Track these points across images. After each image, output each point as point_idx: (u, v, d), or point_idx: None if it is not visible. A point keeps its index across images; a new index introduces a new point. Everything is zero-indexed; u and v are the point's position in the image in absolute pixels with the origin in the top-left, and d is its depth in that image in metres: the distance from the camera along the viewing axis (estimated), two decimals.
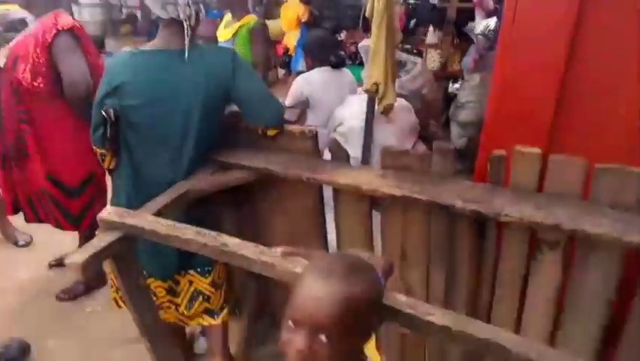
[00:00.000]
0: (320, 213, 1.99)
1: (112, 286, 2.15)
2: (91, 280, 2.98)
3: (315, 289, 0.96)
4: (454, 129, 3.28)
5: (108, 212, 1.55)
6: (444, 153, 1.60)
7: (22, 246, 3.57)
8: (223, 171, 1.86)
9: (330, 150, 1.82)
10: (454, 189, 1.59)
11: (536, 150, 1.47)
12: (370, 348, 1.10)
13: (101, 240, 1.52)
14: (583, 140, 1.58)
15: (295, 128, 1.88)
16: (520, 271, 1.70)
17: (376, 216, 1.94)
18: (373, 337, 1.11)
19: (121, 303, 2.18)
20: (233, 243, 1.42)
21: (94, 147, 1.89)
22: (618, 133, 1.59)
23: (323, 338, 0.94)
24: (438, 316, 1.19)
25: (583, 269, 1.57)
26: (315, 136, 1.83)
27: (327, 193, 2.00)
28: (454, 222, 1.71)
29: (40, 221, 2.82)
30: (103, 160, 1.91)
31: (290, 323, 0.98)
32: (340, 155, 1.81)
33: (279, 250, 1.38)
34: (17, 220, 3.63)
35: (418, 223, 1.76)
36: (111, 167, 1.93)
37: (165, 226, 1.49)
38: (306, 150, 1.87)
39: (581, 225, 1.41)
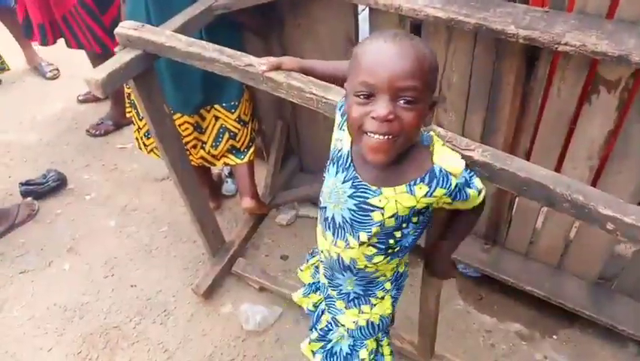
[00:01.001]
0: (354, 43, 1.83)
1: (134, 125, 2.13)
2: (120, 118, 2.98)
3: (387, 49, 0.87)
4: None
5: (125, 27, 1.43)
6: None
7: (50, 78, 3.55)
8: None
9: None
10: (507, 13, 1.39)
11: None
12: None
13: (120, 58, 1.44)
14: None
15: None
16: (568, 116, 1.56)
17: None
18: None
19: (141, 144, 2.17)
20: (260, 63, 1.30)
21: None
22: None
23: (402, 102, 0.88)
24: (478, 151, 1.08)
25: None
26: None
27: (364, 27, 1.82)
28: (502, 55, 1.54)
29: (81, 46, 2.72)
30: None
31: (358, 97, 0.90)
32: None
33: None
34: (44, 54, 3.60)
35: (462, 55, 1.60)
36: None
37: (185, 42, 1.37)
38: None
39: None
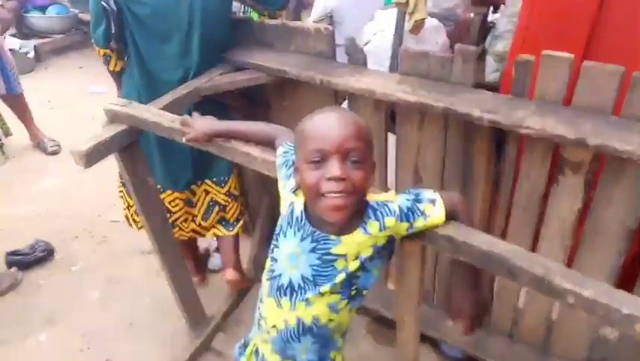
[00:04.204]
0: None
1: (124, 203, 2.18)
2: None
3: (331, 119, 0.99)
4: (490, 62, 3.07)
5: (112, 103, 1.52)
6: (466, 56, 1.48)
7: (51, 154, 3.67)
8: (235, 72, 1.79)
9: (346, 52, 1.72)
10: (473, 99, 1.48)
11: (568, 55, 1.34)
12: None
13: (106, 131, 1.51)
14: (622, 51, 1.44)
15: (310, 25, 1.78)
16: (538, 196, 1.61)
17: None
18: None
19: (131, 221, 2.21)
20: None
21: (97, 49, 1.84)
22: None
23: (350, 163, 0.97)
24: (441, 226, 1.12)
25: (606, 193, 1.47)
26: (330, 35, 1.74)
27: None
28: (472, 139, 1.62)
29: None
30: (108, 62, 1.86)
31: (311, 163, 0.98)
32: (357, 57, 1.71)
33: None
34: (47, 129, 3.75)
35: (434, 137, 1.67)
36: (117, 69, 1.89)
37: (169, 119, 1.45)
38: (321, 51, 1.79)
39: (608, 141, 1.29)
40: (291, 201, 1.15)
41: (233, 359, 2.10)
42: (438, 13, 2.72)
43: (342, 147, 0.96)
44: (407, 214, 1.07)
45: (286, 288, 1.15)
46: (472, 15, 3.10)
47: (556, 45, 1.46)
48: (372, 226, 1.05)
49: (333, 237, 1.07)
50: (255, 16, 3.06)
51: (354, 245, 1.07)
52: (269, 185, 2.38)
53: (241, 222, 2.23)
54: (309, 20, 2.85)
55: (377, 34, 2.44)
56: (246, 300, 2.45)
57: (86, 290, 2.53)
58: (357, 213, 1.05)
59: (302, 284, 1.12)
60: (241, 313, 2.39)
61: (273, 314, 1.21)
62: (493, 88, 2.04)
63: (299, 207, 1.12)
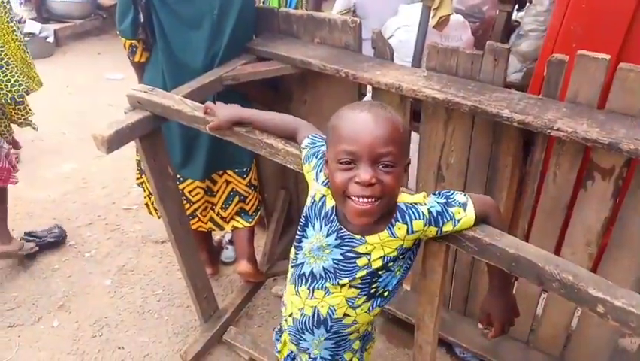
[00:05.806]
0: None
1: (145, 191, 2.17)
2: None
3: (364, 118, 0.93)
4: (513, 61, 3.01)
5: (136, 90, 1.50)
6: (498, 54, 1.44)
7: None
8: (259, 62, 1.77)
9: (372, 45, 1.69)
10: (502, 98, 1.44)
11: (604, 56, 1.29)
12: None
13: (129, 117, 1.50)
14: None
15: (336, 17, 1.75)
16: (565, 201, 1.57)
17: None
18: None
19: (152, 209, 2.20)
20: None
21: (123, 40, 1.81)
22: None
23: (381, 167, 0.92)
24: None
25: (636, 201, 1.42)
26: (357, 28, 1.70)
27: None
28: (499, 139, 1.58)
29: None
30: (134, 53, 1.83)
31: (340, 164, 0.94)
32: (383, 51, 1.67)
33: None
34: (65, 114, 3.76)
35: (460, 136, 1.64)
36: (142, 60, 1.87)
37: (192, 107, 1.43)
38: (346, 44, 1.76)
39: None
40: (322, 194, 1.12)
41: (243, 352, 2.10)
42: (463, 10, 2.67)
43: (374, 152, 0.91)
44: (436, 219, 1.03)
45: (308, 276, 1.14)
46: (497, 12, 3.05)
47: (590, 45, 1.41)
48: (400, 228, 1.03)
49: (358, 236, 1.05)
50: (275, 4, 3.03)
51: (379, 246, 1.05)
52: (286, 179, 2.36)
53: (259, 213, 2.22)
54: (332, 12, 2.80)
55: (400, 29, 2.40)
56: (258, 294, 2.43)
57: (99, 277, 2.53)
58: (385, 213, 1.02)
59: (323, 274, 1.12)
60: (254, 307, 2.38)
61: (291, 302, 1.21)
62: (514, 88, 2.00)
63: (330, 203, 1.09)
